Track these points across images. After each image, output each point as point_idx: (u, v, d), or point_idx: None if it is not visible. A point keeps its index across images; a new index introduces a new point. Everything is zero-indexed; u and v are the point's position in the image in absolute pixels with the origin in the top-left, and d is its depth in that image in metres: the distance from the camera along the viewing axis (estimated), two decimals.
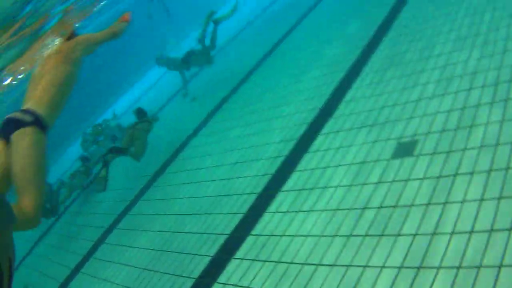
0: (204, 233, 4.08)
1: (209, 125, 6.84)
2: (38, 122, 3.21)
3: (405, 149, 3.27)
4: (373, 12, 6.40)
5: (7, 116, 3.21)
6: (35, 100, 3.38)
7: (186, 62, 9.05)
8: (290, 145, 4.45)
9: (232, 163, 5.00)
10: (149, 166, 6.90)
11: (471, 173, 2.66)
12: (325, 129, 4.28)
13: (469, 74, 3.61)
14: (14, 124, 3.14)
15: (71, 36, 4.12)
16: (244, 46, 10.30)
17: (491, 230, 2.21)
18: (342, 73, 5.17)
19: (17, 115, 3.20)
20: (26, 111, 3.25)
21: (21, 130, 3.12)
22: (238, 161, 4.95)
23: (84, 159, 9.56)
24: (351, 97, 4.53)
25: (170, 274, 3.89)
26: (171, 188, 5.63)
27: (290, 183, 3.85)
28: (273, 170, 4.23)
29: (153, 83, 14.30)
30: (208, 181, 5.03)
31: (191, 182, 5.34)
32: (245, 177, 4.48)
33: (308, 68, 6.11)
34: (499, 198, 2.37)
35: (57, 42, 4.05)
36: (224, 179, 4.79)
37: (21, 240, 8.63)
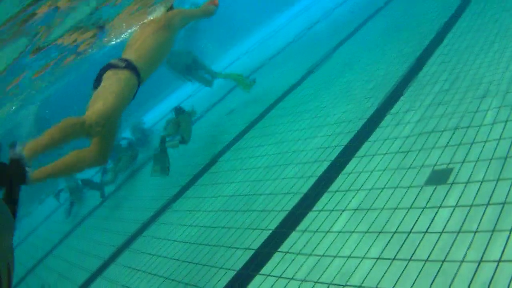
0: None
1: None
2: (131, 67, 3.54)
3: (439, 177, 3.29)
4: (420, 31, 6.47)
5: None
6: (131, 54, 3.77)
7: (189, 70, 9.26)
8: (325, 165, 4.53)
9: None
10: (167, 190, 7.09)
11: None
12: (360, 152, 4.35)
13: (507, 106, 3.61)
14: (108, 68, 3.52)
15: (169, 9, 4.62)
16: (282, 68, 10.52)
17: None
18: (381, 98, 5.24)
19: (113, 61, 3.62)
20: (121, 59, 3.66)
21: (112, 70, 3.47)
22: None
23: (131, 143, 10.10)
24: (387, 123, 4.58)
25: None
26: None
27: (321, 204, 3.91)
28: (304, 190, 4.31)
29: (190, 94, 14.85)
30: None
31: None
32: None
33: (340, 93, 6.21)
34: None
35: (157, 13, 4.54)
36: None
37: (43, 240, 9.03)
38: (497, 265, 2.28)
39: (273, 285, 3.28)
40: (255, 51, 14.74)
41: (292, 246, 3.58)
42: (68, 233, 9.12)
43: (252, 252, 3.87)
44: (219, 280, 3.77)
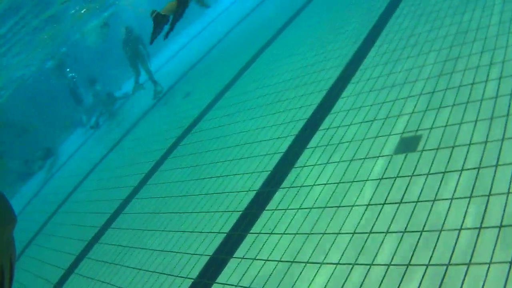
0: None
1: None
2: None
3: (408, 145, 3.20)
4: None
5: None
6: None
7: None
8: (289, 141, 4.38)
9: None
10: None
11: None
12: (324, 125, 4.21)
13: (472, 68, 3.57)
14: None
15: None
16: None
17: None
18: (340, 68, 5.11)
19: None
20: None
21: None
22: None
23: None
24: (349, 92, 4.46)
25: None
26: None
27: (287, 182, 3.76)
28: (271, 167, 4.15)
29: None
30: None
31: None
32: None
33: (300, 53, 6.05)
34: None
35: None
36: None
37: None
38: (478, 233, 2.21)
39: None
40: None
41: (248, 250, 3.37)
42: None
43: (207, 258, 3.61)
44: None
